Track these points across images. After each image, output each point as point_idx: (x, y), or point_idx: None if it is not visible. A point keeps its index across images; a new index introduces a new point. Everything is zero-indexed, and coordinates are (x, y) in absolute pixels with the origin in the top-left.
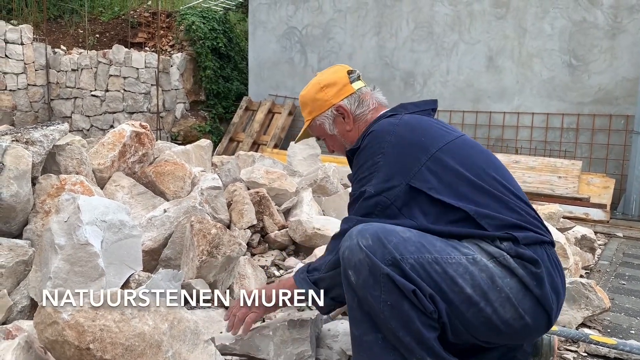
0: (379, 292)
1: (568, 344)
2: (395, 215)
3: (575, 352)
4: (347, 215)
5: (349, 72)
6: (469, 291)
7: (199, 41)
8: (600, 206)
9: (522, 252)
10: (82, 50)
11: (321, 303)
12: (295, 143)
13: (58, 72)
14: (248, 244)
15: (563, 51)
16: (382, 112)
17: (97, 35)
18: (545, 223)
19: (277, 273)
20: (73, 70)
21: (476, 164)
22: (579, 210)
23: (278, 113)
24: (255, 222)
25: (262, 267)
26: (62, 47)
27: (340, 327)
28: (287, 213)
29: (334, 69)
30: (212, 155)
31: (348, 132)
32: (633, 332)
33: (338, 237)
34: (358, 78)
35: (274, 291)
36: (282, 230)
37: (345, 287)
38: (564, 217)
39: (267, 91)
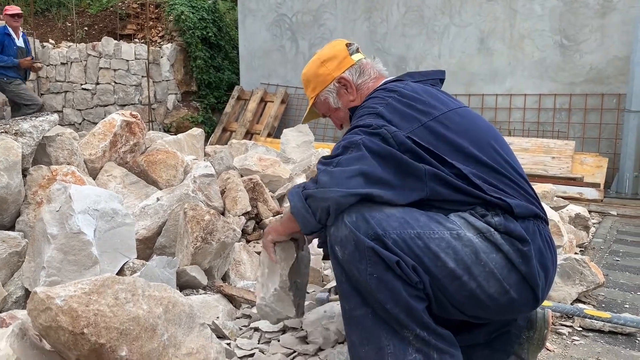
0: (365, 265)
1: (563, 320)
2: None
3: (571, 327)
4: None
5: (347, 45)
6: (451, 265)
7: (189, 31)
8: (594, 185)
9: (512, 229)
10: (71, 44)
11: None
12: (302, 123)
13: (47, 66)
14: (243, 230)
15: (554, 31)
16: (385, 80)
17: (86, 28)
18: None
19: None
20: (62, 63)
21: (478, 134)
22: (572, 190)
23: (270, 102)
24: (249, 208)
25: (258, 253)
26: (50, 40)
27: (336, 308)
28: (281, 199)
29: (332, 43)
30: (205, 145)
31: (351, 102)
32: (627, 306)
33: (342, 149)
34: (357, 50)
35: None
36: (276, 216)
37: (333, 262)
38: (557, 197)
39: (259, 80)
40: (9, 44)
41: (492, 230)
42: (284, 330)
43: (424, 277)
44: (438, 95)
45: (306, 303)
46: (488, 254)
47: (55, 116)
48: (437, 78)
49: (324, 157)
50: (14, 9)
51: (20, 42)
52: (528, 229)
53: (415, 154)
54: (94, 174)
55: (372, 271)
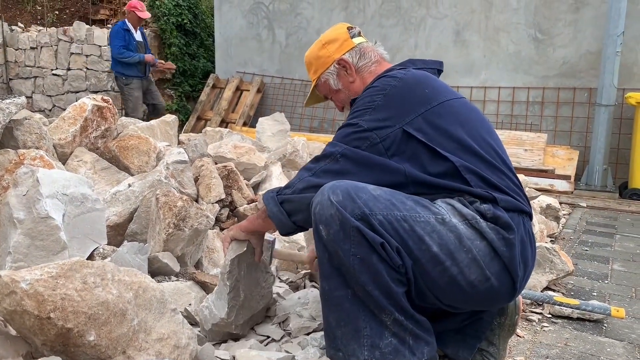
0: (349, 246)
1: (533, 307)
2: (380, 154)
3: (540, 314)
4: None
5: (349, 28)
6: (435, 249)
7: (163, 17)
8: (565, 177)
9: (499, 216)
10: (42, 28)
11: (285, 223)
12: (305, 106)
13: (16, 50)
14: (217, 218)
15: (529, 25)
16: (391, 66)
17: (57, 12)
18: None
19: None
20: (32, 48)
21: (473, 125)
22: (544, 182)
23: (246, 90)
24: (223, 196)
25: None
26: (19, 24)
27: (310, 295)
28: (256, 187)
29: (335, 26)
30: (179, 134)
31: (351, 83)
32: (595, 294)
33: (321, 159)
34: (359, 34)
35: (248, 220)
36: (251, 205)
37: (316, 242)
38: (529, 188)
39: (235, 68)
40: (130, 40)
41: (478, 217)
42: None
43: (406, 260)
44: (437, 83)
45: (282, 291)
46: (472, 241)
47: (23, 99)
48: (435, 68)
49: (310, 161)
50: (146, 14)
51: (138, 36)
52: (513, 220)
53: (405, 153)
54: (63, 159)
55: (356, 252)
